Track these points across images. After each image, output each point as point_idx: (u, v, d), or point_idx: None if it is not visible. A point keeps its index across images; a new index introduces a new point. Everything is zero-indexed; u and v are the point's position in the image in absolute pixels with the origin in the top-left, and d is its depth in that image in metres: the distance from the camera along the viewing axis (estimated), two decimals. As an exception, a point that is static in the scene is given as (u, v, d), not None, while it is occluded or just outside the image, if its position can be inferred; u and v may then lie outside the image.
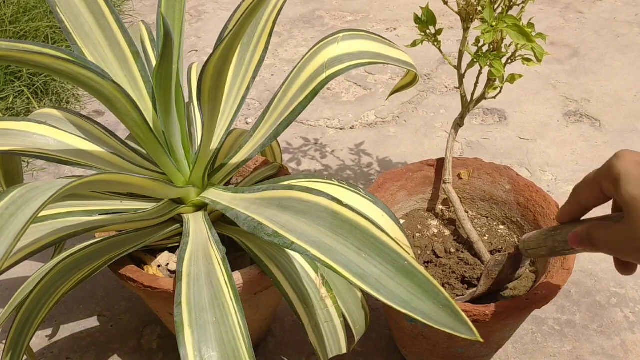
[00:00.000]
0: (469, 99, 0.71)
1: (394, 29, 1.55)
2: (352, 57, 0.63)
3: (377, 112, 1.24)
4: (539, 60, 0.60)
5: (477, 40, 0.62)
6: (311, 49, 0.64)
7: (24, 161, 1.11)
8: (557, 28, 1.51)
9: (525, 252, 0.57)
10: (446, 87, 1.32)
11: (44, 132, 0.64)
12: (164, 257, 0.67)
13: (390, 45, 0.68)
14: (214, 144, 0.70)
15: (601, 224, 0.46)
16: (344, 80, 1.35)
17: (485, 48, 0.63)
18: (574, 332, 0.81)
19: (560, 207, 0.54)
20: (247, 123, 1.24)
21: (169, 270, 0.67)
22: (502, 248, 0.71)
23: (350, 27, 1.53)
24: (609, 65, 1.36)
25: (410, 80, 0.76)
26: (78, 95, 1.31)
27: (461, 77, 0.69)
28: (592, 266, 0.90)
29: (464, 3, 0.63)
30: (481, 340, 0.41)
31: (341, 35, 0.64)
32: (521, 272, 0.63)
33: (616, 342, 0.79)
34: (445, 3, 0.65)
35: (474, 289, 0.64)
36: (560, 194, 1.01)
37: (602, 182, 0.45)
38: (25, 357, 0.57)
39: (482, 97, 0.69)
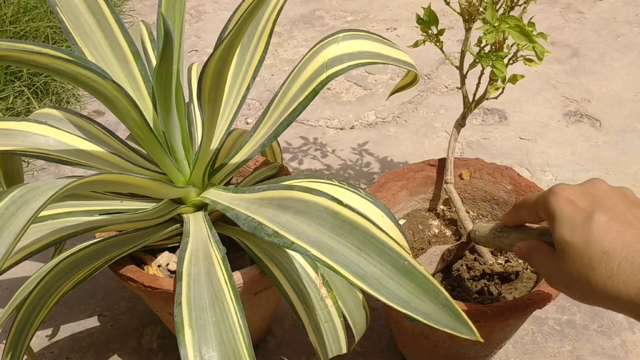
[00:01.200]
0: (470, 99, 0.71)
1: (394, 29, 1.55)
2: (352, 57, 0.62)
3: (377, 112, 1.24)
4: (540, 59, 0.60)
5: (480, 41, 0.62)
6: (311, 49, 0.64)
7: (24, 161, 1.11)
8: (557, 28, 1.51)
9: (475, 240, 0.60)
10: (446, 87, 1.32)
11: (44, 132, 0.64)
12: (164, 257, 0.67)
13: (390, 45, 0.68)
14: (214, 144, 0.70)
15: (541, 248, 0.47)
16: (344, 80, 1.35)
17: (487, 48, 0.63)
18: (574, 332, 0.81)
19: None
20: (247, 123, 1.24)
21: (169, 270, 0.67)
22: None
23: (350, 27, 1.53)
24: (609, 65, 1.36)
25: (411, 80, 0.76)
26: (78, 95, 1.31)
27: (463, 77, 0.69)
28: (593, 266, 0.89)
29: (466, 3, 0.63)
30: (482, 340, 0.41)
31: (341, 35, 0.64)
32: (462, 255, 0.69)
33: (616, 342, 0.79)
34: (447, 3, 0.64)
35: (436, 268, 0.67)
36: (561, 194, 1.01)
37: (540, 212, 0.46)
38: (25, 357, 0.57)
39: (484, 97, 0.69)
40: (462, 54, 0.67)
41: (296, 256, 0.60)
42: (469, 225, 0.71)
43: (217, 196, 0.62)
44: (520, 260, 0.70)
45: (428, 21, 0.65)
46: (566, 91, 1.28)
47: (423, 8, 0.65)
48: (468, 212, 0.77)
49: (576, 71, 1.35)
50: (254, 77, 0.70)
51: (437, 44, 0.67)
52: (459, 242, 0.65)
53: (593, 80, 1.31)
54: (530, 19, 0.62)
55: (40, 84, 1.23)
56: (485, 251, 0.70)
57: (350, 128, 1.20)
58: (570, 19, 1.55)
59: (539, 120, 1.20)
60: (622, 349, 0.78)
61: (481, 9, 0.62)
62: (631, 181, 1.05)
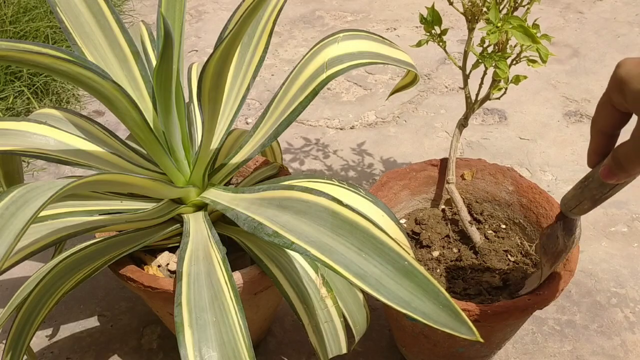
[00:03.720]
0: (473, 100, 0.71)
1: (394, 29, 1.55)
2: (352, 57, 0.62)
3: (377, 112, 1.24)
4: (544, 61, 0.60)
5: (482, 41, 0.62)
6: (311, 49, 0.64)
7: (24, 161, 1.11)
8: (557, 28, 1.51)
9: (570, 213, 0.55)
10: (446, 87, 1.32)
11: (44, 132, 0.64)
12: (164, 257, 0.67)
13: (390, 45, 0.68)
14: (214, 144, 0.70)
15: (622, 142, 0.44)
16: (344, 80, 1.35)
17: (490, 49, 0.63)
18: (574, 332, 0.81)
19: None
20: (247, 123, 1.24)
21: (169, 270, 0.67)
22: (505, 249, 0.71)
23: (350, 27, 1.53)
24: (609, 66, 1.36)
25: (411, 80, 0.76)
26: (78, 95, 1.31)
27: (466, 78, 0.69)
28: (592, 266, 0.90)
29: (469, 4, 0.62)
30: (481, 340, 0.41)
31: (341, 35, 0.64)
32: (577, 233, 0.58)
33: (616, 342, 0.79)
34: (451, 3, 0.64)
35: (539, 272, 0.61)
36: (561, 194, 1.01)
37: (612, 97, 0.43)
38: (25, 357, 0.57)
39: (487, 97, 0.69)
40: (465, 54, 0.67)
41: (296, 256, 0.60)
42: (470, 226, 0.71)
43: (217, 196, 0.62)
44: (524, 263, 0.70)
45: (432, 21, 0.65)
46: (566, 91, 1.28)
47: (427, 8, 0.65)
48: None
49: (576, 71, 1.35)
50: (254, 77, 0.70)
51: (440, 43, 0.67)
52: (551, 225, 0.59)
53: (593, 80, 1.31)
54: (535, 20, 0.62)
55: (40, 84, 1.23)
56: (487, 251, 0.70)
57: (350, 128, 1.20)
58: (570, 19, 1.55)
59: (539, 120, 1.20)
60: (622, 349, 0.78)
61: (484, 9, 0.62)
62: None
